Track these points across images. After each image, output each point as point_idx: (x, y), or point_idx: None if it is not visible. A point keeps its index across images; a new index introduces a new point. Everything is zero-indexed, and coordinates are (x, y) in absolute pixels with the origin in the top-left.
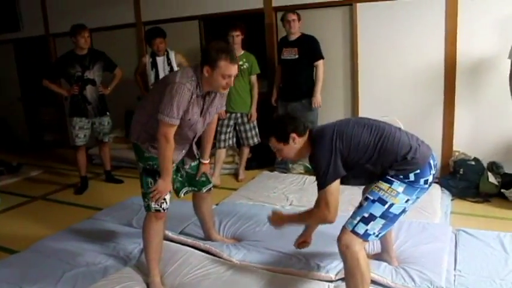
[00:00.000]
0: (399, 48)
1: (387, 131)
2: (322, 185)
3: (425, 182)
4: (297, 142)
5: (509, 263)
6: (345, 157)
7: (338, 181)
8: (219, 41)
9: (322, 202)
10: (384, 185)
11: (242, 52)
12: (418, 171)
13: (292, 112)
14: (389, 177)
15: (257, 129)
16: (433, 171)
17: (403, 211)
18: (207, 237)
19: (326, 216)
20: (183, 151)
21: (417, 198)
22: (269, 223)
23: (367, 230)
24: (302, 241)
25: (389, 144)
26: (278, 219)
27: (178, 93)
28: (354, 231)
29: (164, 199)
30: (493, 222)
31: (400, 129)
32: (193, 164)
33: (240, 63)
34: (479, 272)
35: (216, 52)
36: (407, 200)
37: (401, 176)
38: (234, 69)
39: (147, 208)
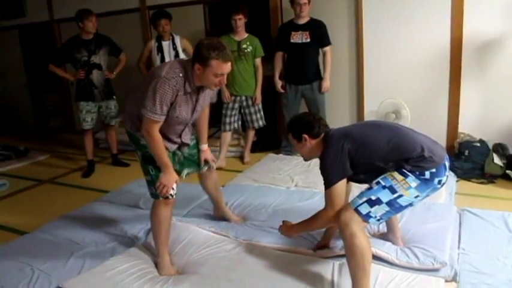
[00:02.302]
0: (404, 30)
1: (400, 129)
2: (327, 184)
3: (439, 182)
4: (310, 143)
5: None
6: (353, 155)
7: (344, 181)
8: (212, 37)
9: (328, 204)
10: (399, 176)
11: (246, 35)
12: (434, 170)
13: (312, 110)
14: (405, 171)
15: (262, 112)
16: (447, 173)
17: (410, 204)
18: (217, 214)
19: (332, 217)
20: (176, 141)
21: (427, 195)
22: (280, 232)
23: (369, 212)
24: (322, 245)
25: (403, 141)
26: (288, 229)
27: (161, 89)
28: (356, 210)
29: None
30: (498, 203)
31: (413, 130)
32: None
33: (244, 46)
34: (483, 250)
35: (207, 50)
36: (417, 196)
37: (417, 173)
38: (226, 68)
39: (154, 196)
